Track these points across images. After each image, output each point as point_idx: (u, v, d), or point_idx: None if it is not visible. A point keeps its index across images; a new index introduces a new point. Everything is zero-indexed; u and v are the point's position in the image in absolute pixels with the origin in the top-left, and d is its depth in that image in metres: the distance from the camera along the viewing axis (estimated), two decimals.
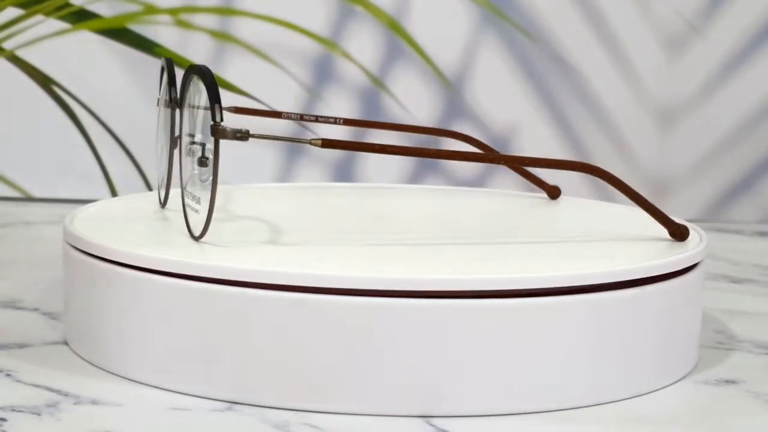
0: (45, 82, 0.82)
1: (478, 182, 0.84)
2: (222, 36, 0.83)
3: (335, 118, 0.56)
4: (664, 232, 0.52)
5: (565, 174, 0.85)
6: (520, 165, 0.54)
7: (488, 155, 0.51)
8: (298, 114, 0.57)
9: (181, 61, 0.81)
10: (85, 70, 0.82)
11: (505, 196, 0.64)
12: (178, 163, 0.50)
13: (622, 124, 0.84)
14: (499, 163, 0.55)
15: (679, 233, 0.51)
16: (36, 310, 0.55)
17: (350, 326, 0.43)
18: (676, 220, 0.51)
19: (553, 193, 0.62)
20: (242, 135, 0.45)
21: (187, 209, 0.48)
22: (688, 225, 0.52)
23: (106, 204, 0.56)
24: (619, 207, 0.59)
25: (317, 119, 0.56)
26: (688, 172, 0.85)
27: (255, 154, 0.82)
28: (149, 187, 0.82)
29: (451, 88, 0.84)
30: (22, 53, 0.81)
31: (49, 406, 0.44)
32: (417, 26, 0.83)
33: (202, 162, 0.47)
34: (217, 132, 0.45)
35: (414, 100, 0.83)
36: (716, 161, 0.85)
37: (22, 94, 0.82)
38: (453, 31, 0.83)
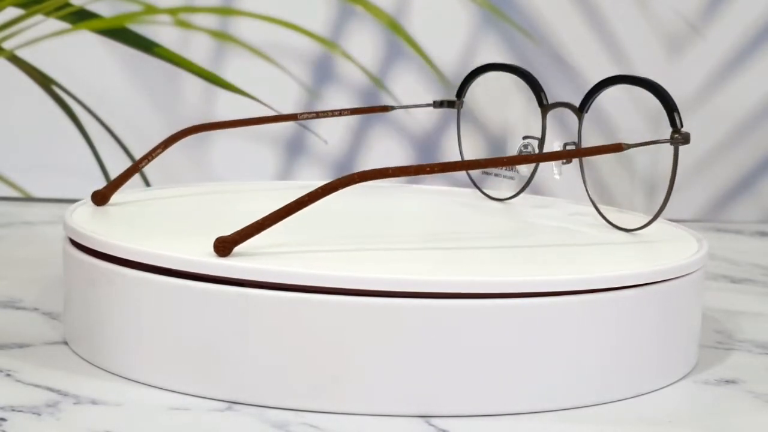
0: (45, 82, 0.82)
1: (478, 184, 0.84)
2: (222, 36, 0.82)
3: None
4: (664, 232, 0.52)
5: (565, 174, 0.85)
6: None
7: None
8: None
9: (180, 62, 0.81)
10: (85, 70, 0.82)
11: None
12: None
13: (622, 124, 0.84)
14: None
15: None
16: (36, 310, 0.55)
17: (350, 326, 0.43)
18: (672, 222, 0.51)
19: None
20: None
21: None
22: (686, 229, 0.52)
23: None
24: (618, 210, 0.59)
25: None
26: (687, 172, 0.85)
27: (255, 152, 0.82)
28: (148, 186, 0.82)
29: (451, 88, 0.84)
30: (22, 53, 0.81)
31: (49, 406, 0.44)
32: (417, 26, 0.83)
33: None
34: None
35: (414, 100, 0.83)
36: (716, 161, 0.85)
37: (22, 94, 0.82)
38: (453, 31, 0.83)
